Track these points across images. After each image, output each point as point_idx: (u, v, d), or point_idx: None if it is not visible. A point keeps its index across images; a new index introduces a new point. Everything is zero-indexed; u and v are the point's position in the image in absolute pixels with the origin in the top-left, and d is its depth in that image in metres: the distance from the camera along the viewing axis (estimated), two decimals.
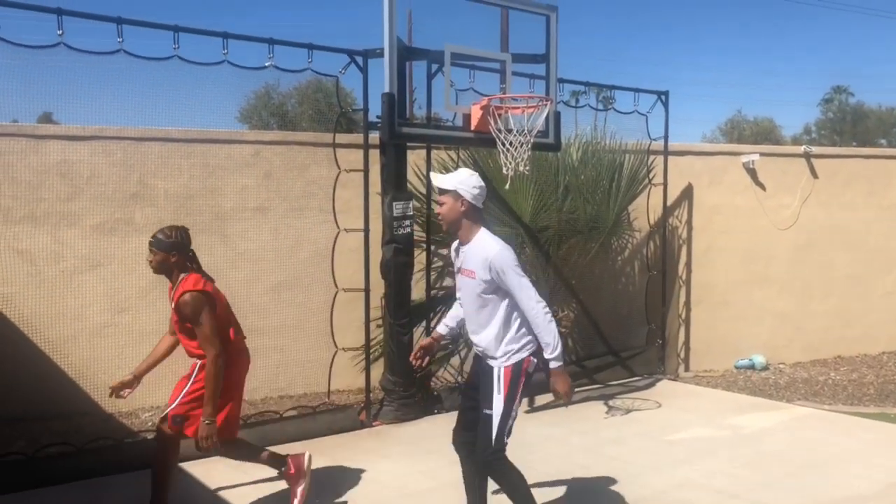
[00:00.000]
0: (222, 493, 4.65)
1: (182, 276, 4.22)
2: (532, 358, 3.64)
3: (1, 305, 5.82)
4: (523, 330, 3.61)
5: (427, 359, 3.96)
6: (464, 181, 3.60)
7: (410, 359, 3.96)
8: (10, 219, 5.97)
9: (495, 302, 3.58)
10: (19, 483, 4.62)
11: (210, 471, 5.01)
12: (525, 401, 6.86)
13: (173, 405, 4.19)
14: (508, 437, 3.58)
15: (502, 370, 3.58)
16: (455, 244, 3.81)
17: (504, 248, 3.56)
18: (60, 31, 4.71)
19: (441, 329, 4.02)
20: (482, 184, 3.65)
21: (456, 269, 3.78)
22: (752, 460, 5.25)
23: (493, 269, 3.50)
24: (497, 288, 3.54)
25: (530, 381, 3.67)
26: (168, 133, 6.57)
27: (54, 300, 5.99)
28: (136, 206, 6.42)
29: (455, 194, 3.58)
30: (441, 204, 3.64)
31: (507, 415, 3.55)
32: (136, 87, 5.65)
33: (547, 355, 3.50)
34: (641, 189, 7.86)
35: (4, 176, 5.91)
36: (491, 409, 3.55)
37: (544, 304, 3.51)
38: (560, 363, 3.50)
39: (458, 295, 3.85)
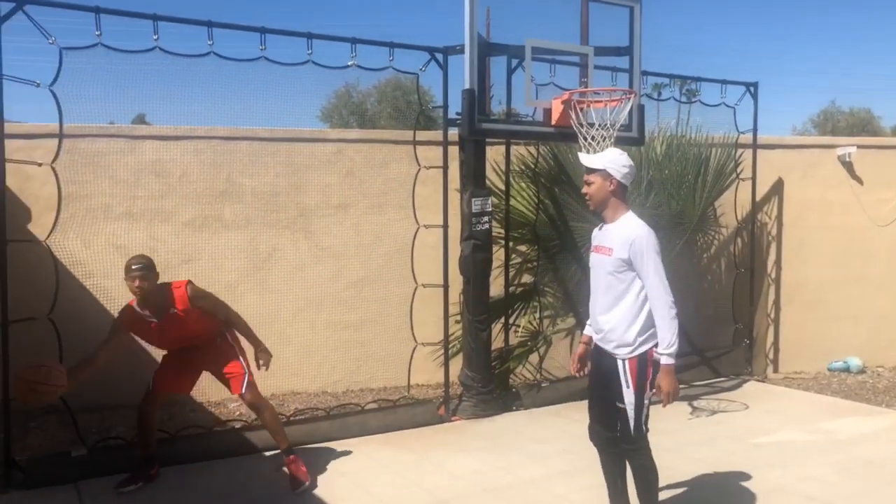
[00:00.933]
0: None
1: (168, 289, 4.61)
2: (655, 348, 3.56)
3: (102, 298, 6.14)
4: (650, 321, 3.54)
5: (588, 364, 3.89)
6: (614, 160, 3.59)
7: (573, 371, 3.93)
8: (110, 216, 6.30)
9: (626, 285, 3.54)
10: (119, 466, 4.87)
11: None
12: None
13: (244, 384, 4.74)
14: (647, 425, 3.60)
15: (627, 363, 3.55)
16: (598, 227, 3.77)
17: (650, 231, 3.53)
18: (156, 37, 4.93)
19: (588, 331, 3.90)
20: (631, 163, 3.64)
21: (592, 248, 3.76)
22: (848, 467, 5.01)
23: (634, 249, 3.47)
24: (630, 270, 3.50)
25: (657, 369, 3.55)
26: (255, 132, 6.78)
27: None
28: (224, 203, 6.66)
29: (604, 173, 3.57)
30: (590, 183, 3.62)
31: (641, 405, 3.55)
32: (224, 88, 5.84)
33: (660, 349, 3.46)
34: (728, 184, 7.60)
35: (105, 175, 6.23)
36: (623, 402, 3.56)
37: (672, 298, 3.46)
38: (672, 361, 3.45)
39: (591, 276, 3.79)
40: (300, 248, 6.89)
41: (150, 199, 6.44)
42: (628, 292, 3.54)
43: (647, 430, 3.62)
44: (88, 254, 6.02)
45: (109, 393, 6.12)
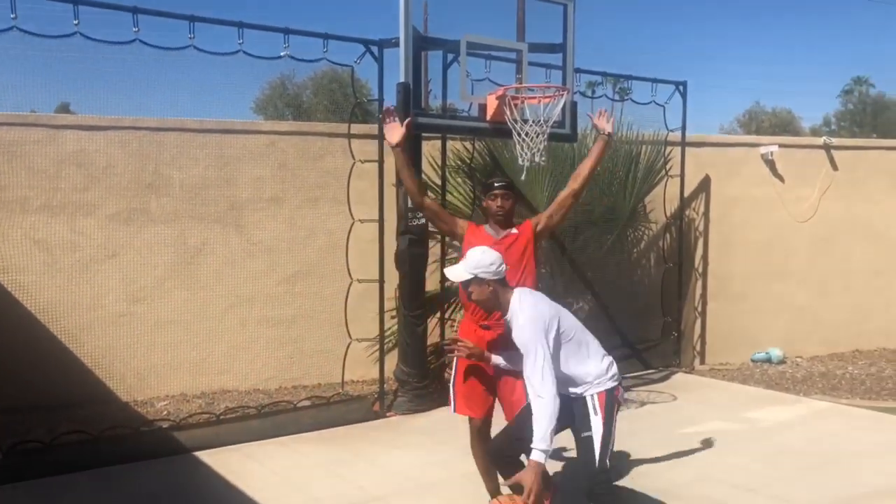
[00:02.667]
0: (235, 481, 4.66)
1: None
2: (621, 388, 3.56)
3: (18, 294, 5.87)
4: (605, 360, 3.53)
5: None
6: (479, 263, 3.43)
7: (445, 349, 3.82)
8: (28, 208, 6.02)
9: (559, 359, 3.42)
10: (37, 470, 4.67)
11: (223, 459, 5.04)
12: None
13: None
14: (610, 459, 3.46)
15: (596, 396, 3.46)
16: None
17: (532, 314, 3.35)
18: (76, 21, 4.73)
19: (496, 359, 3.81)
20: (494, 258, 3.47)
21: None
22: (769, 454, 5.20)
23: (518, 343, 3.35)
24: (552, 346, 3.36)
25: (619, 410, 3.55)
26: (184, 123, 6.58)
27: (70, 289, 6.04)
28: (151, 196, 6.45)
29: (477, 280, 3.44)
30: (470, 294, 3.49)
31: (608, 436, 3.44)
32: (152, 78, 5.65)
33: (533, 443, 3.20)
34: (658, 180, 7.79)
35: (21, 166, 5.95)
36: (590, 430, 3.43)
37: (546, 390, 3.21)
38: (542, 456, 3.17)
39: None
40: (231, 242, 6.74)
41: (72, 192, 6.18)
42: (567, 360, 3.43)
43: (609, 468, 3.48)
44: (4, 248, 5.75)
45: (27, 394, 5.87)
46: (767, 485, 4.63)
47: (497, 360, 3.82)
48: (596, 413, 3.44)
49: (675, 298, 8.13)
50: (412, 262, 6.13)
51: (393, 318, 6.53)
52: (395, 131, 4.09)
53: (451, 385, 4.07)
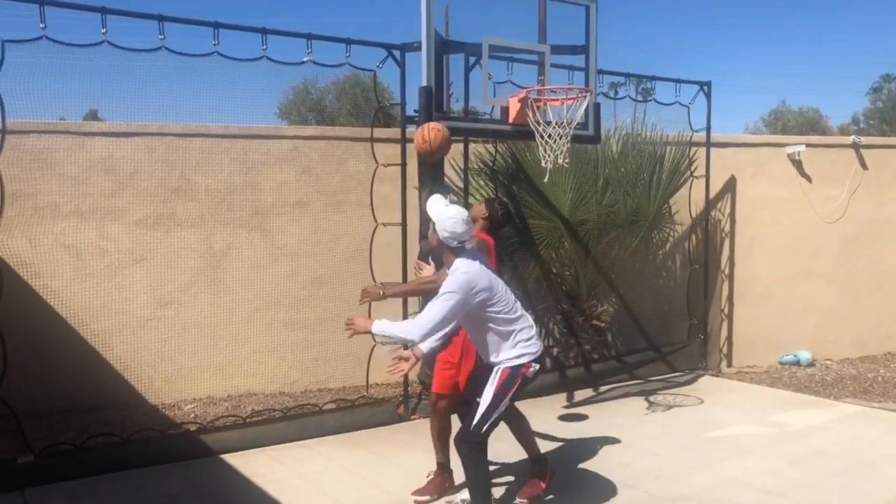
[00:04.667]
0: (261, 483, 4.70)
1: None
2: (534, 364, 3.89)
3: (49, 299, 5.97)
4: (520, 338, 3.86)
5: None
6: (438, 216, 3.80)
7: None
8: (58, 214, 6.12)
9: (475, 320, 3.82)
10: (68, 472, 4.74)
11: (248, 461, 5.08)
12: (564, 395, 6.81)
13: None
14: (489, 429, 3.83)
15: (500, 369, 3.85)
16: None
17: (464, 274, 3.71)
18: (104, 30, 4.80)
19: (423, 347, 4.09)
20: (456, 216, 3.80)
21: None
22: (798, 459, 5.13)
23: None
24: (467, 310, 3.74)
25: (526, 384, 3.89)
26: (208, 129, 6.65)
27: (99, 294, 6.13)
28: (177, 201, 6.52)
29: (433, 227, 3.83)
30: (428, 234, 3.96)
31: (494, 406, 3.80)
32: (177, 84, 5.73)
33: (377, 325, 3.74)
34: (683, 182, 7.72)
35: (52, 172, 6.06)
36: (480, 397, 3.84)
37: (415, 333, 3.67)
38: (376, 329, 3.75)
39: None
40: (256, 246, 6.80)
41: (100, 197, 6.27)
42: (483, 324, 3.83)
43: (485, 434, 3.84)
44: (35, 253, 5.85)
45: (58, 397, 5.97)
46: (797, 489, 4.56)
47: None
48: (492, 385, 3.83)
49: (701, 300, 8.05)
50: (435, 265, 6.12)
51: None
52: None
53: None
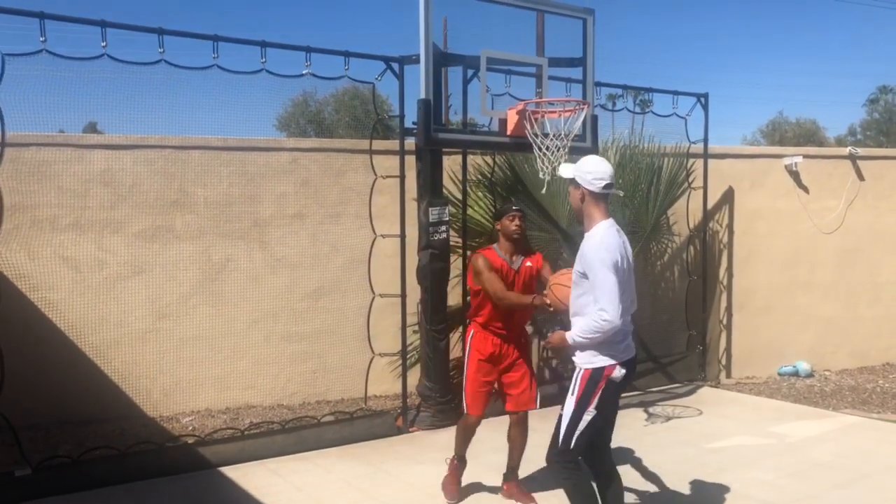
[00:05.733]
0: (259, 496, 4.68)
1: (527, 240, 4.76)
2: (619, 367, 3.44)
3: (47, 311, 5.97)
4: (612, 337, 3.40)
5: None
6: (579, 167, 3.56)
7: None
8: (57, 226, 6.12)
9: (586, 297, 3.43)
10: (65, 485, 4.72)
11: (247, 474, 5.06)
12: None
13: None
14: (579, 444, 3.44)
15: (581, 371, 3.45)
16: None
17: (601, 242, 3.38)
18: (104, 43, 4.82)
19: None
20: (601, 168, 3.55)
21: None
22: (798, 470, 5.12)
23: (583, 262, 3.42)
24: (587, 283, 3.39)
25: (615, 389, 3.48)
26: (208, 141, 6.67)
27: (98, 306, 6.13)
28: (176, 214, 6.53)
29: (574, 182, 3.55)
30: (569, 193, 3.66)
31: (577, 417, 3.41)
32: (177, 97, 5.75)
33: (573, 332, 3.44)
34: (681, 193, 7.74)
35: (51, 185, 6.06)
36: (563, 409, 3.48)
37: (609, 316, 3.27)
38: (572, 339, 3.43)
39: None
40: (255, 258, 6.80)
41: (99, 210, 6.28)
42: (588, 305, 3.42)
43: (574, 449, 3.47)
44: (34, 266, 5.85)
45: (56, 410, 5.95)
46: (796, 501, 4.55)
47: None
48: (572, 393, 3.45)
49: (700, 311, 8.05)
50: (434, 276, 6.14)
51: (415, 332, 6.54)
52: None
53: (463, 390, 4.54)
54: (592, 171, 3.52)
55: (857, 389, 7.88)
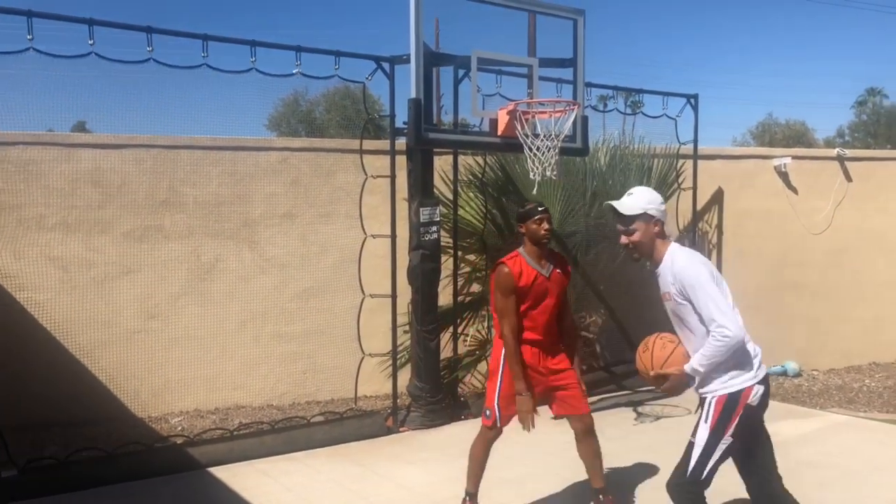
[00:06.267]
0: (249, 497, 4.66)
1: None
2: (757, 386, 3.22)
3: (35, 311, 5.93)
4: (740, 353, 3.19)
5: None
6: (652, 200, 3.30)
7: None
8: (44, 226, 6.09)
9: (697, 323, 3.20)
10: (53, 487, 4.68)
11: (236, 475, 5.04)
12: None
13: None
14: (710, 475, 3.25)
15: (715, 398, 3.21)
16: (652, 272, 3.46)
17: (690, 258, 3.25)
18: (91, 41, 4.79)
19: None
20: (660, 197, 3.39)
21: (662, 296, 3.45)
22: (785, 469, 5.09)
23: (677, 283, 3.20)
24: (692, 306, 3.19)
25: (752, 414, 3.26)
26: (197, 141, 6.65)
27: (85, 306, 6.09)
28: (165, 213, 6.50)
29: (645, 217, 3.27)
30: (631, 233, 3.31)
31: (712, 447, 3.21)
32: (166, 96, 5.73)
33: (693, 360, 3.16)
34: (670, 193, 7.77)
35: (38, 184, 6.03)
36: (695, 437, 3.26)
37: (729, 329, 3.08)
38: (690, 371, 3.17)
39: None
40: (244, 258, 6.78)
41: (87, 209, 6.25)
42: (696, 325, 3.22)
43: (705, 480, 3.29)
44: (20, 266, 5.81)
45: (43, 411, 5.91)
46: None
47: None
48: (706, 421, 3.21)
49: None
50: (425, 277, 6.13)
51: (406, 333, 6.53)
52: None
53: (496, 401, 4.06)
54: (659, 200, 3.32)
55: (844, 389, 7.94)
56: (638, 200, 3.29)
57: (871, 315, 9.05)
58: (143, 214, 6.43)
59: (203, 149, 6.67)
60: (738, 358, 3.18)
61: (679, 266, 3.21)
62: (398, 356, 6.38)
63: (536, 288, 4.03)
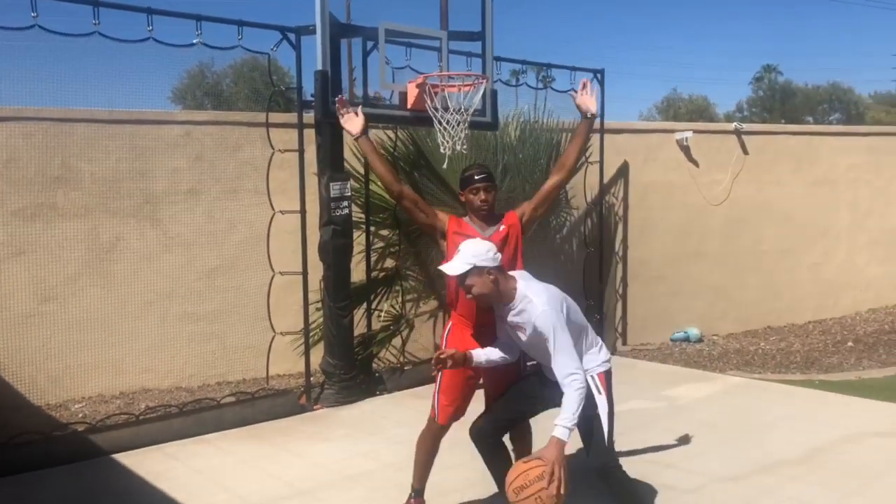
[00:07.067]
0: (155, 482, 4.53)
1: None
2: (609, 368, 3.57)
3: None
4: (596, 347, 3.56)
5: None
6: (477, 252, 3.34)
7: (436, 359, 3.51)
8: None
9: (545, 353, 3.39)
10: None
11: (143, 460, 4.89)
12: None
13: None
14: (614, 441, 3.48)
15: (596, 376, 3.47)
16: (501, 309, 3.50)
17: (549, 302, 3.34)
18: None
19: (478, 357, 3.59)
20: (490, 244, 3.44)
21: (499, 316, 3.53)
22: (687, 430, 5.40)
23: (538, 333, 3.32)
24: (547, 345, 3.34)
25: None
26: (92, 114, 6.29)
27: None
28: (59, 190, 6.16)
29: (476, 270, 3.33)
30: (470, 288, 3.37)
31: (612, 413, 3.45)
32: (56, 66, 5.39)
33: (557, 420, 3.21)
34: (578, 167, 7.90)
35: None
36: (596, 409, 3.40)
37: (579, 375, 3.26)
38: (566, 434, 3.18)
39: (501, 336, 3.61)
40: (147, 236, 6.51)
41: None
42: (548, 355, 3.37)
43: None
44: None
45: None
46: (684, 459, 4.81)
47: (481, 356, 3.59)
48: (600, 392, 3.44)
49: (597, 282, 8.32)
50: (336, 252, 6.06)
51: (318, 310, 6.46)
52: (353, 121, 3.86)
53: (435, 394, 3.80)
54: (486, 249, 3.37)
55: (742, 352, 8.38)
56: (464, 258, 3.35)
57: (766, 281, 9.57)
58: (34, 192, 6.05)
59: (99, 122, 6.32)
60: (595, 342, 3.61)
61: (536, 314, 3.31)
62: (311, 334, 6.31)
63: None
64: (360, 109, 3.92)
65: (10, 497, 4.36)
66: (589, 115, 4.00)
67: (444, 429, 3.82)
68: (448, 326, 3.86)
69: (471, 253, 3.35)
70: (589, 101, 4.00)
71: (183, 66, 24.52)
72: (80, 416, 5.88)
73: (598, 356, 3.57)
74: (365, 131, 3.89)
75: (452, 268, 3.38)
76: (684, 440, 5.18)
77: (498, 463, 3.75)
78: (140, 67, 5.71)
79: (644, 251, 8.80)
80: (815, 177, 9.94)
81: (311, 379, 6.16)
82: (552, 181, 3.98)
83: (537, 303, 3.33)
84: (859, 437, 5.15)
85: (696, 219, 9.08)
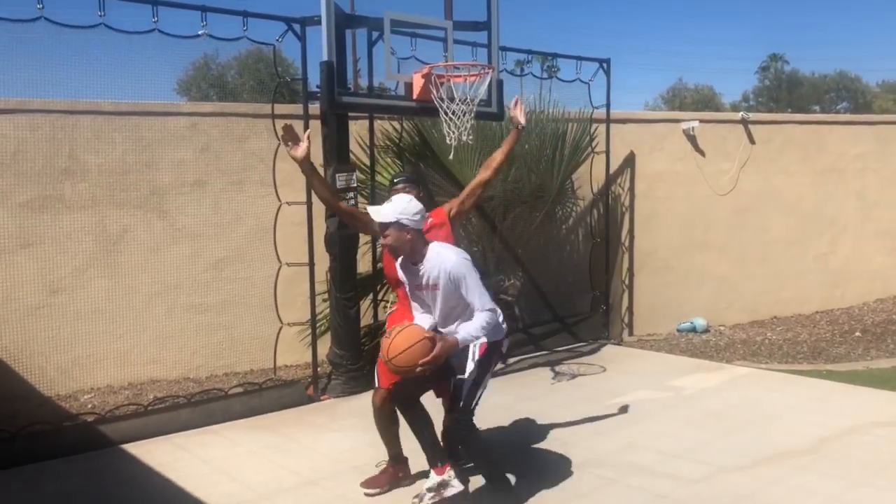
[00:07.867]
0: (163, 471, 4.56)
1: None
2: (506, 340, 3.93)
3: None
4: (497, 316, 3.80)
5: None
6: (405, 210, 3.66)
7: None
8: None
9: (465, 303, 3.73)
10: None
11: (151, 450, 4.92)
12: None
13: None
14: (475, 405, 3.80)
15: (478, 346, 3.77)
16: (401, 261, 3.88)
17: (458, 254, 3.72)
18: None
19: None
20: (420, 207, 3.75)
21: (415, 286, 3.84)
22: (693, 420, 5.41)
23: (453, 279, 3.65)
24: (458, 294, 3.70)
25: (500, 360, 3.91)
26: (99, 106, 6.31)
27: None
28: (67, 182, 6.18)
29: (398, 225, 3.65)
30: (386, 236, 3.70)
31: (480, 380, 3.77)
32: (62, 57, 5.39)
33: (461, 328, 3.68)
34: (584, 157, 7.91)
35: None
36: (464, 374, 3.75)
37: (495, 309, 3.71)
38: (463, 340, 3.64)
39: (416, 304, 3.94)
40: (154, 228, 6.53)
41: None
42: (458, 309, 3.77)
43: (474, 411, 3.84)
44: None
45: None
46: (691, 449, 4.81)
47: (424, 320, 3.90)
48: (473, 359, 3.75)
49: (603, 272, 8.31)
50: (342, 244, 6.07)
51: (325, 301, 6.47)
52: (298, 148, 4.11)
53: (376, 368, 4.25)
54: (413, 210, 3.69)
55: (748, 342, 8.36)
56: (392, 210, 3.67)
57: (773, 272, 9.54)
58: (42, 184, 6.07)
59: (105, 114, 6.33)
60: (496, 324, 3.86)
61: (451, 263, 3.66)
62: (318, 325, 6.33)
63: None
64: (305, 136, 4.18)
65: (21, 486, 4.40)
66: (519, 127, 4.62)
67: (388, 392, 4.11)
68: (393, 308, 4.37)
69: (400, 209, 3.66)
70: (520, 115, 4.61)
71: (188, 57, 24.53)
72: (90, 406, 5.92)
73: (498, 329, 3.85)
74: (307, 156, 4.14)
75: (380, 213, 3.70)
76: (690, 430, 5.19)
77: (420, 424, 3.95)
78: (147, 59, 5.70)
79: (650, 241, 8.78)
80: (823, 166, 9.89)
81: (319, 369, 6.18)
82: (477, 179, 4.54)
83: (451, 254, 3.71)
84: (866, 427, 5.14)
85: (703, 209, 9.05)
